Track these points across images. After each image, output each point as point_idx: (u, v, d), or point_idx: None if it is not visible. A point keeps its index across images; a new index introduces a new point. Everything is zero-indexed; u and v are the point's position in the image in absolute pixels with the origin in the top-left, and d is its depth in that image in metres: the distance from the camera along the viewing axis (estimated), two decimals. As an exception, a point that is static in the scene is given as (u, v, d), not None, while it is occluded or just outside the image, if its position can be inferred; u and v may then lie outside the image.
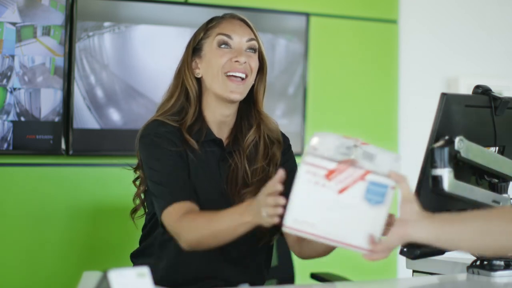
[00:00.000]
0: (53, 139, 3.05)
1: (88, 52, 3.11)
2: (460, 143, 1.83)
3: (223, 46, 2.16)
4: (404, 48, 3.89)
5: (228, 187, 2.16)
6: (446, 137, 1.84)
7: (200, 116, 2.19)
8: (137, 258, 2.28)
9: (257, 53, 2.20)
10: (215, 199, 2.15)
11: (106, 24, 3.15)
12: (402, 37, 3.88)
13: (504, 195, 1.99)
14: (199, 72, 2.19)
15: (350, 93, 3.76)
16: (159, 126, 2.15)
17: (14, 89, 2.98)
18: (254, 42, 2.19)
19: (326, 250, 2.10)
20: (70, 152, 3.08)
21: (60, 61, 3.05)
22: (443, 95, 1.90)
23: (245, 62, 2.14)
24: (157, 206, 2.12)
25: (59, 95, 3.06)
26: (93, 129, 3.13)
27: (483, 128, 2.00)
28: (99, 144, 3.16)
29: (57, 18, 3.05)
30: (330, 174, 1.66)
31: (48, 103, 3.04)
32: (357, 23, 3.76)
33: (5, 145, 2.97)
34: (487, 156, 1.93)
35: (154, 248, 2.21)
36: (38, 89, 3.02)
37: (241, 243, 2.04)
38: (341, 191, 1.66)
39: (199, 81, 2.20)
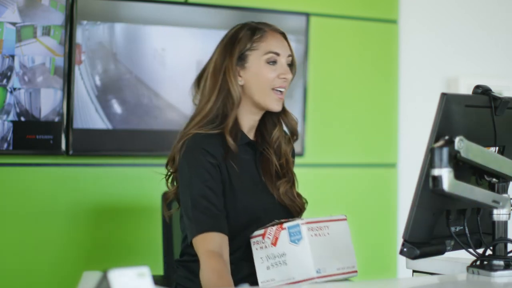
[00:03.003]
0: (53, 139, 3.05)
1: (89, 52, 3.11)
2: (460, 143, 1.83)
3: (271, 63, 2.29)
4: (404, 48, 3.89)
5: (266, 180, 2.33)
6: (446, 137, 1.83)
7: (235, 121, 2.32)
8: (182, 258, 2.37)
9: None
10: (258, 192, 2.31)
11: (107, 24, 3.15)
12: (402, 37, 3.88)
13: (504, 195, 1.99)
14: (241, 80, 2.30)
15: (350, 93, 3.76)
16: (203, 139, 2.25)
17: (14, 89, 2.98)
18: (291, 58, 2.34)
19: None
20: (70, 152, 3.08)
21: (60, 61, 3.05)
22: (443, 95, 1.90)
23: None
24: (188, 229, 2.24)
25: (59, 95, 3.06)
26: (93, 129, 3.13)
27: (483, 128, 2.00)
28: (99, 144, 3.16)
29: (57, 18, 3.05)
30: (264, 235, 2.17)
31: (48, 103, 3.04)
32: (357, 23, 3.76)
33: (5, 145, 2.97)
34: (487, 156, 1.93)
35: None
36: (38, 89, 3.02)
37: None
38: (274, 243, 2.14)
39: None
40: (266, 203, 2.30)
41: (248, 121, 2.33)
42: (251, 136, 2.35)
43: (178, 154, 2.27)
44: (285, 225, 2.13)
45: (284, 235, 2.13)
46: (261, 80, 2.28)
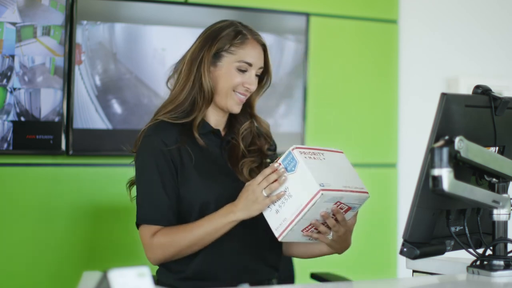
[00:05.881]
0: (53, 139, 3.05)
1: (89, 52, 3.12)
2: (460, 143, 1.83)
3: (241, 71, 2.31)
4: (404, 48, 3.89)
5: (230, 162, 2.34)
6: (446, 137, 1.83)
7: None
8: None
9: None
10: (219, 177, 2.31)
11: (107, 24, 3.15)
12: (402, 37, 3.88)
13: (504, 195, 1.99)
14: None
15: (350, 93, 3.76)
16: (162, 127, 2.30)
17: (14, 89, 2.98)
18: (262, 70, 2.36)
19: (306, 252, 2.40)
20: (70, 152, 3.09)
21: (60, 61, 3.05)
22: (443, 95, 1.90)
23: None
24: (137, 215, 2.29)
25: (59, 95, 3.06)
26: (93, 129, 3.13)
27: (483, 128, 2.00)
28: (99, 144, 3.16)
29: (57, 18, 3.05)
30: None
31: (48, 103, 3.04)
32: (357, 23, 3.76)
33: (5, 145, 2.97)
34: (487, 156, 1.93)
35: None
36: (38, 89, 3.02)
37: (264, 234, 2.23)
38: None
39: None
40: (227, 187, 2.28)
41: (214, 116, 2.36)
42: (219, 126, 2.37)
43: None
44: (279, 160, 2.10)
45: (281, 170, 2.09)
46: (226, 82, 2.30)
